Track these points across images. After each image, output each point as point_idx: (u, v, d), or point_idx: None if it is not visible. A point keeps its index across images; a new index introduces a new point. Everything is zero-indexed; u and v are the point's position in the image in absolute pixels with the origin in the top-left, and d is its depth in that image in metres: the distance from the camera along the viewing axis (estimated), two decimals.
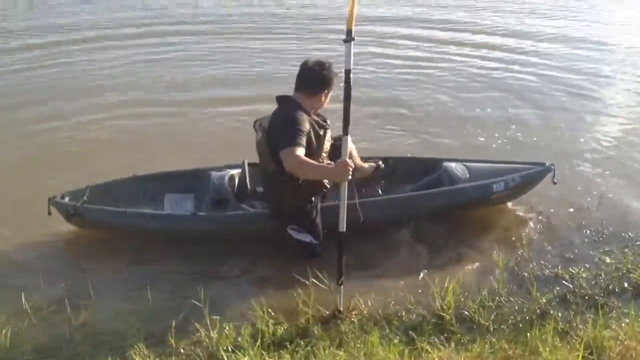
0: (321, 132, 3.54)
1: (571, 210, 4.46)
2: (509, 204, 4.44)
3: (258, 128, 3.61)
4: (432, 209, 4.03)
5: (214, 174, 4.08)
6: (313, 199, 3.68)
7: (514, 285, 3.56)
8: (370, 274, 3.72)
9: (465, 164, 4.29)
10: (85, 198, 3.95)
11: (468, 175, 4.16)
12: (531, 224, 4.27)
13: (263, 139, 3.50)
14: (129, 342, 2.97)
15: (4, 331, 3.05)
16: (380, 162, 4.20)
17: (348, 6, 2.80)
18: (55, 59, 8.83)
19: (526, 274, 3.67)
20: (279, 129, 3.37)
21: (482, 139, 5.83)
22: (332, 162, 3.38)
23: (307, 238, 3.71)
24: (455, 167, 4.22)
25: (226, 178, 4.03)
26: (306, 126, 3.37)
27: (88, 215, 3.91)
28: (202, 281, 3.50)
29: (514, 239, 4.09)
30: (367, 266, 3.79)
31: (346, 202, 3.13)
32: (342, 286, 3.24)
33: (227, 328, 3.08)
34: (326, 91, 3.53)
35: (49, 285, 3.52)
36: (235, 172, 4.12)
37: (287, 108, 3.46)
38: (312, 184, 3.56)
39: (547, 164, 4.28)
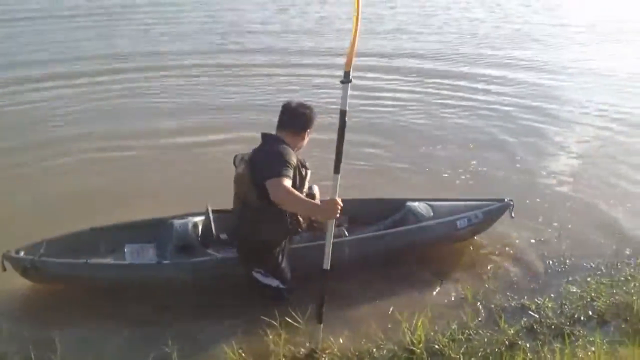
0: (303, 172, 3.61)
1: (533, 241, 4.56)
2: (475, 238, 4.52)
3: (239, 162, 3.61)
4: (400, 247, 4.10)
5: (177, 221, 4.01)
6: (283, 242, 3.67)
7: (482, 318, 3.61)
8: (340, 312, 3.69)
9: (428, 202, 4.40)
10: (42, 251, 3.75)
11: (432, 214, 4.27)
12: (496, 256, 4.36)
13: (245, 171, 3.50)
14: None
15: None
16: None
17: (348, 47, 2.94)
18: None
19: (493, 306, 3.73)
20: (266, 160, 3.40)
21: (446, 175, 5.93)
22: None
23: (274, 282, 3.68)
24: (419, 206, 4.33)
25: (190, 225, 3.99)
26: (294, 160, 3.44)
27: (46, 268, 3.70)
28: (170, 327, 3.46)
29: (480, 271, 4.16)
30: (336, 304, 3.78)
31: (332, 240, 3.19)
32: (321, 325, 3.26)
33: None
34: (308, 130, 3.66)
35: (12, 340, 3.42)
36: (199, 219, 4.08)
37: (273, 143, 3.53)
38: (290, 221, 3.56)
39: (506, 199, 4.45)
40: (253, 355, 3.21)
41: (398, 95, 8.68)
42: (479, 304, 3.74)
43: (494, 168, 6.11)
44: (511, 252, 4.41)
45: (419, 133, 7.18)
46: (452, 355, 3.20)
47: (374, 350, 3.29)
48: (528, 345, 3.28)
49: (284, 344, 3.25)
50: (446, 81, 9.38)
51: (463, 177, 5.89)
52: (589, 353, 3.10)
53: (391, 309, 3.68)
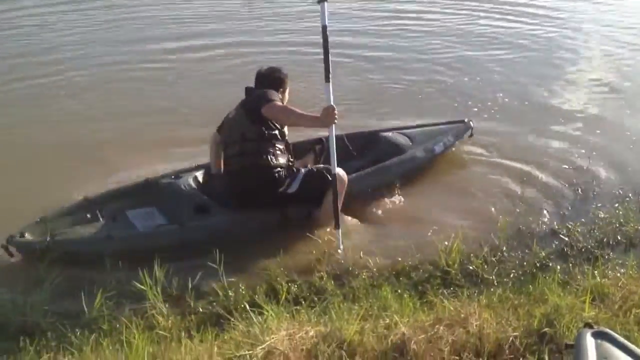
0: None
1: (565, 167, 4.63)
2: (503, 162, 4.59)
3: (230, 114, 3.91)
4: (394, 178, 4.27)
5: (176, 182, 4.01)
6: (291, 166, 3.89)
7: (514, 241, 3.71)
8: (376, 235, 3.85)
9: (399, 132, 4.69)
10: (52, 231, 3.58)
11: (410, 143, 4.52)
12: (527, 182, 4.43)
13: (239, 111, 3.82)
14: (149, 303, 3.05)
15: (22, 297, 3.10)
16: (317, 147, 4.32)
17: None
18: None
19: (525, 230, 3.83)
20: (256, 97, 3.77)
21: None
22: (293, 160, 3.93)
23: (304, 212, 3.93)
24: (395, 136, 4.61)
25: (193, 183, 4.02)
26: (278, 97, 3.79)
27: (65, 248, 3.50)
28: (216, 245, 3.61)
29: (511, 197, 4.25)
30: (372, 228, 3.92)
31: (335, 145, 3.58)
32: (339, 230, 3.63)
33: (242, 288, 3.19)
34: (281, 89, 3.92)
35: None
36: (193, 176, 4.10)
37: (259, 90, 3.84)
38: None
39: (466, 120, 4.85)
40: (296, 272, 3.35)
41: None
42: (510, 228, 3.83)
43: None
44: (542, 178, 4.47)
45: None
46: (486, 276, 3.32)
47: (410, 270, 3.42)
48: (559, 267, 3.38)
49: (328, 260, 3.46)
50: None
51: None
52: (618, 274, 3.20)
53: (429, 233, 3.80)
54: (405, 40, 8.22)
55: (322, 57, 3.46)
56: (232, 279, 3.24)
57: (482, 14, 9.55)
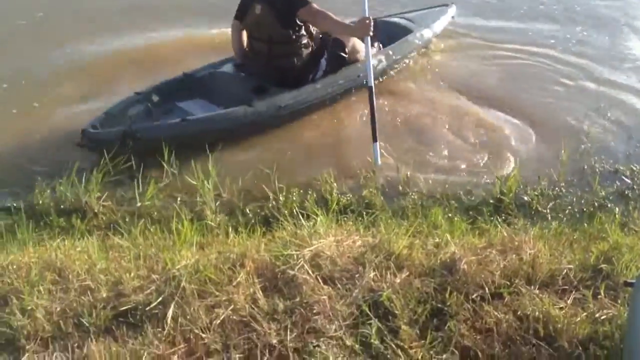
0: None
1: (638, 107, 4.39)
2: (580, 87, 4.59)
3: (251, 6, 3.91)
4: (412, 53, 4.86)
5: (219, 71, 4.12)
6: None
7: (574, 178, 3.56)
8: (429, 155, 3.75)
9: (399, 16, 5.16)
10: (129, 120, 3.60)
11: (413, 23, 4.97)
12: (595, 119, 4.21)
13: (266, 11, 3.84)
14: (201, 198, 3.08)
15: (77, 177, 3.16)
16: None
17: None
18: None
19: (587, 167, 3.65)
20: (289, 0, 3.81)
21: None
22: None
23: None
24: (399, 20, 5.07)
25: (236, 70, 4.12)
26: None
27: (145, 134, 3.48)
28: (268, 150, 3.61)
29: (578, 131, 4.04)
30: (425, 148, 3.83)
31: (371, 56, 3.79)
32: (377, 143, 3.58)
33: (293, 194, 3.18)
34: None
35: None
36: (228, 66, 4.19)
37: None
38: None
39: (449, 2, 5.35)
40: (346, 185, 3.32)
41: None
42: (572, 163, 3.67)
43: None
44: (611, 116, 4.25)
45: None
46: (540, 209, 3.22)
47: (462, 194, 3.35)
48: (618, 209, 3.25)
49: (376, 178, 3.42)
50: None
51: None
52: None
53: (484, 159, 3.68)
54: None
55: None
56: (283, 185, 3.23)
57: None
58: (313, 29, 4.04)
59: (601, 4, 6.66)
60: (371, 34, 3.78)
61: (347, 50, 4.14)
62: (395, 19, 5.10)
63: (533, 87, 4.68)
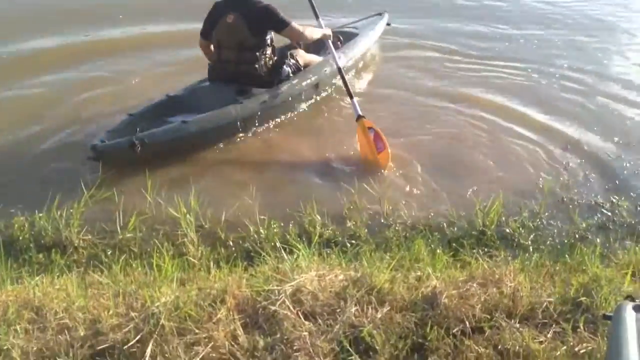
0: None
1: (615, 139, 4.47)
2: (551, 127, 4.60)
3: (226, 11, 4.27)
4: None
5: (202, 85, 4.48)
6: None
7: (554, 210, 3.60)
8: (411, 185, 3.77)
9: (348, 27, 6.02)
10: (137, 129, 3.77)
11: (357, 31, 5.86)
12: (574, 152, 4.27)
13: (239, 22, 4.23)
14: (181, 231, 3.07)
15: (58, 211, 3.15)
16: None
17: None
18: None
19: (567, 200, 3.70)
20: (266, 15, 4.28)
21: None
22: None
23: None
24: (348, 29, 5.93)
25: (212, 83, 4.46)
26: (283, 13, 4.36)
27: (152, 140, 3.72)
28: (251, 181, 3.61)
29: (556, 165, 4.10)
30: (407, 177, 3.86)
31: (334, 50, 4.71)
32: (354, 99, 4.28)
33: (274, 226, 3.18)
34: None
35: (105, 177, 3.63)
36: (205, 81, 4.55)
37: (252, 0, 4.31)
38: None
39: (382, 12, 6.31)
40: (329, 216, 3.33)
41: None
42: (552, 195, 3.72)
43: None
44: (587, 149, 4.32)
45: None
46: (522, 241, 3.25)
47: (445, 225, 3.36)
48: (599, 240, 3.29)
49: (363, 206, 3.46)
50: None
51: None
52: None
53: (468, 193, 3.70)
54: None
55: None
56: (264, 217, 3.23)
57: None
58: (273, 41, 4.50)
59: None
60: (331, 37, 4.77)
61: (302, 64, 4.74)
62: (345, 29, 5.96)
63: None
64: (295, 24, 4.39)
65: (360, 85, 5.48)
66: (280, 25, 4.35)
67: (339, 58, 4.75)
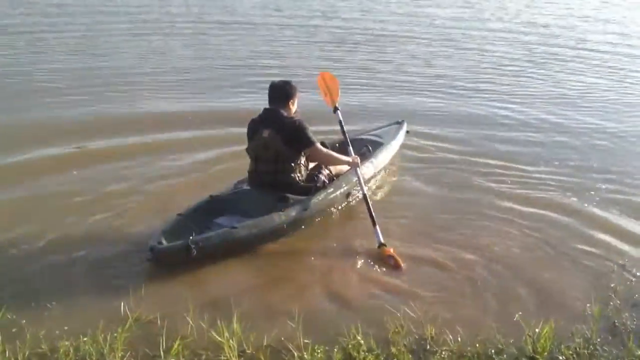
0: None
1: None
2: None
3: (258, 130, 4.57)
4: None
5: (244, 189, 4.67)
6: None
7: (608, 335, 3.46)
8: (459, 308, 3.70)
9: (371, 134, 6.21)
10: (192, 236, 3.94)
11: (381, 138, 6.03)
12: (623, 274, 4.15)
13: (274, 136, 4.50)
14: (224, 356, 3.03)
15: (102, 334, 3.15)
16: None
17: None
18: None
19: (619, 324, 3.57)
20: (296, 132, 4.55)
21: None
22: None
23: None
24: (371, 137, 6.12)
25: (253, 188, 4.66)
26: (310, 131, 4.65)
27: (205, 242, 3.97)
28: (292, 300, 3.63)
29: (605, 287, 3.97)
30: (453, 301, 3.78)
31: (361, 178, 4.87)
32: (377, 226, 4.43)
33: (319, 351, 3.12)
34: (291, 101, 4.67)
35: (148, 296, 3.65)
36: (245, 184, 4.77)
37: (284, 115, 4.59)
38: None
39: (400, 120, 6.47)
40: (373, 339, 3.24)
41: None
42: (604, 320, 3.58)
43: None
44: (636, 269, 4.20)
45: None
46: None
47: (493, 352, 3.24)
48: None
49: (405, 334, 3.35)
50: None
51: None
52: None
53: (515, 316, 3.58)
54: None
55: None
56: (308, 341, 3.18)
57: None
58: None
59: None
60: (360, 165, 4.98)
61: (334, 173, 5.00)
62: (366, 136, 6.15)
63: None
64: (319, 145, 4.69)
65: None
66: (306, 144, 4.62)
67: (368, 167, 5.20)
